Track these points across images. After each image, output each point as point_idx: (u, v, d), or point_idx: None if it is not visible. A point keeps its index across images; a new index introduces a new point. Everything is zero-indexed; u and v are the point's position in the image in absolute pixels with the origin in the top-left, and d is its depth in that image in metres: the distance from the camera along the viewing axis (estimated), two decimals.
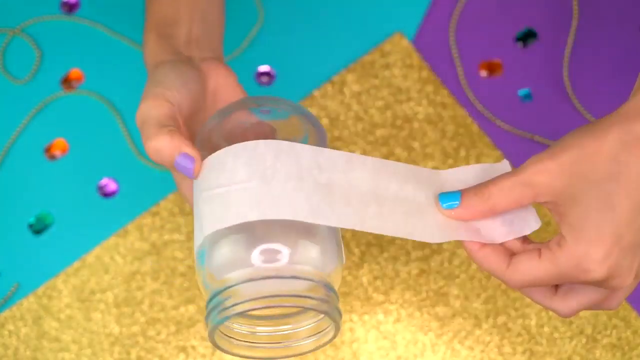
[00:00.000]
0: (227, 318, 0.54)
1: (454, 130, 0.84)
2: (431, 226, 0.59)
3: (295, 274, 0.55)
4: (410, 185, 0.60)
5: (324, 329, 0.59)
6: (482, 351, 0.79)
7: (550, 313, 0.80)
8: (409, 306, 0.80)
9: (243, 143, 0.58)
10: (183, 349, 0.80)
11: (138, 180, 0.84)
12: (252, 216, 0.55)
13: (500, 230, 0.59)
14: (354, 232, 0.82)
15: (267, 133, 0.60)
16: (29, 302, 0.81)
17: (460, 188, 0.61)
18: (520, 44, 0.86)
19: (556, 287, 0.60)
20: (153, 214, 0.83)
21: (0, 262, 0.82)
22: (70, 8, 0.88)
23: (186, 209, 0.83)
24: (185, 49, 0.67)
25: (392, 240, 0.82)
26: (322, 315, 0.59)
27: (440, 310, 0.80)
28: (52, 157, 0.85)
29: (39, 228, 0.83)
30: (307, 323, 0.60)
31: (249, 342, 0.59)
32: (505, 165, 0.61)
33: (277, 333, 0.60)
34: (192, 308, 0.81)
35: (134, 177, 0.84)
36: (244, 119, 0.60)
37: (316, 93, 0.85)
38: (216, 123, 0.61)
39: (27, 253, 0.83)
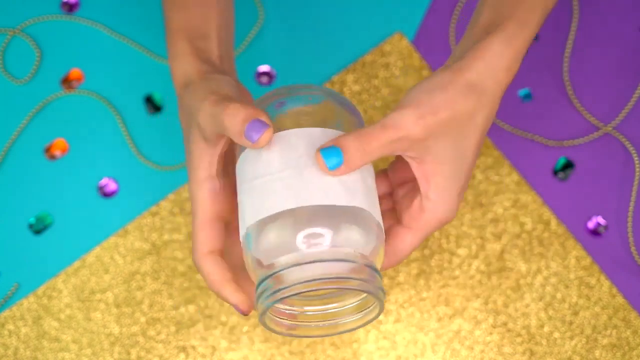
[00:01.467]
0: (276, 302, 0.57)
1: None
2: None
3: (337, 256, 0.57)
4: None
5: (369, 307, 0.61)
6: (482, 351, 0.79)
7: (550, 313, 0.80)
8: (409, 306, 0.80)
9: (276, 134, 0.60)
10: (183, 349, 0.80)
11: (138, 180, 0.84)
12: (288, 205, 0.58)
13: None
14: None
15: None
16: (29, 302, 0.81)
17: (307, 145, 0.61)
18: None
19: None
20: (153, 214, 0.83)
21: (0, 262, 0.82)
22: (70, 8, 0.88)
23: (186, 209, 0.83)
24: (219, 64, 0.67)
25: None
26: (365, 294, 0.61)
27: (440, 310, 0.80)
28: (52, 157, 0.85)
29: (39, 228, 0.83)
30: (352, 301, 0.62)
31: (296, 322, 0.62)
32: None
33: (323, 312, 0.62)
34: (192, 308, 0.81)
35: (134, 177, 0.84)
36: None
37: None
38: None
39: (27, 253, 0.83)
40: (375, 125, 0.59)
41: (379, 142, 0.59)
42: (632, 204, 0.82)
